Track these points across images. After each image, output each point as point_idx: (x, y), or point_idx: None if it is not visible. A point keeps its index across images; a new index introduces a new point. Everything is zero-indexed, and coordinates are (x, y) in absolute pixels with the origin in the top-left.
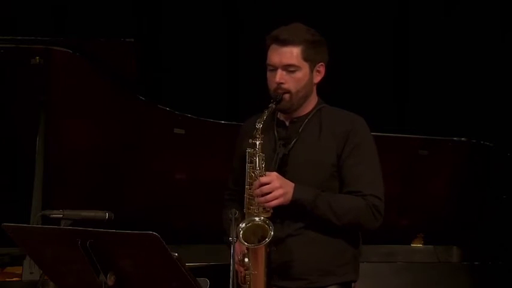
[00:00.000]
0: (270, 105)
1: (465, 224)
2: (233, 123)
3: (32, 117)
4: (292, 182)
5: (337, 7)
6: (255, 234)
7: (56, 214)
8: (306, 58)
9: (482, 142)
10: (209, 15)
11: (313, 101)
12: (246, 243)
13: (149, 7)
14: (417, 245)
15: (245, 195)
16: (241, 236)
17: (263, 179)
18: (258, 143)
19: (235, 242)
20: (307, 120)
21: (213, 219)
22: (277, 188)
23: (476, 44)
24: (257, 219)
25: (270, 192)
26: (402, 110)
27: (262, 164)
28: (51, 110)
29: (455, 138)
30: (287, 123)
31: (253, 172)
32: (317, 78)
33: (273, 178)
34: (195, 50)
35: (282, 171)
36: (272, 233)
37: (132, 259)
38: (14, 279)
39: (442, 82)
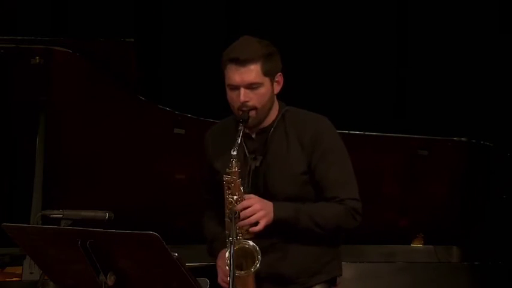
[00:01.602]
0: (239, 128)
1: (465, 224)
2: None
3: (32, 117)
4: (268, 194)
5: (338, 6)
6: (241, 257)
7: (56, 214)
8: (265, 73)
9: (482, 142)
10: (209, 15)
11: (275, 109)
12: (237, 272)
13: (149, 7)
14: (417, 245)
15: (226, 219)
16: (230, 262)
17: (244, 203)
18: (235, 171)
19: (234, 242)
20: (272, 129)
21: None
22: (258, 210)
23: (476, 44)
24: (247, 245)
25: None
26: (402, 110)
27: (241, 189)
28: (51, 110)
29: (455, 138)
30: (253, 135)
31: (232, 198)
32: (277, 88)
33: (254, 201)
34: (195, 50)
35: (256, 185)
36: (260, 256)
37: (132, 259)
38: (14, 279)
39: (442, 82)
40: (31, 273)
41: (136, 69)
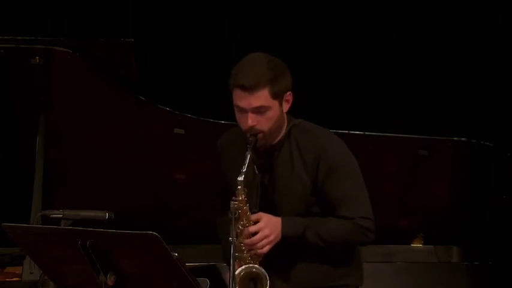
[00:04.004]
0: (247, 152)
1: (465, 224)
2: (233, 123)
3: (32, 117)
4: (276, 212)
5: (339, 7)
6: (250, 280)
7: (56, 214)
8: (274, 96)
9: (482, 142)
10: (209, 14)
11: (284, 126)
12: None
13: (149, 7)
14: (417, 245)
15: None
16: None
17: (252, 229)
18: (241, 199)
19: (235, 242)
20: (279, 147)
21: (213, 219)
22: (267, 235)
23: (476, 44)
24: (254, 269)
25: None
26: (402, 110)
27: (248, 214)
28: (51, 110)
29: (455, 138)
30: (261, 151)
31: (240, 224)
32: (286, 107)
33: (261, 226)
34: (195, 49)
35: (264, 201)
36: (268, 282)
37: (132, 259)
38: (14, 279)
39: (442, 82)
40: (31, 273)
41: (136, 69)
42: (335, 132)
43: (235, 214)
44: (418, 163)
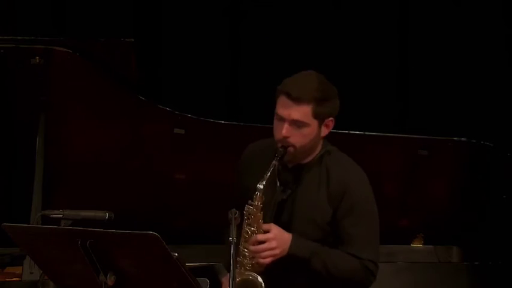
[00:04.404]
0: (274, 162)
1: (465, 224)
2: (233, 123)
3: (32, 117)
4: (289, 230)
5: (340, 8)
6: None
7: (56, 214)
8: (315, 116)
9: (482, 142)
10: (209, 14)
11: (317, 149)
12: None
13: (149, 7)
14: (417, 245)
15: (240, 246)
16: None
17: (260, 237)
18: (257, 204)
19: (235, 242)
20: (308, 168)
21: (213, 219)
22: (273, 248)
23: (477, 44)
24: (251, 277)
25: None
26: (402, 110)
27: (260, 222)
28: (51, 110)
29: (455, 138)
30: (289, 166)
31: (249, 229)
32: (324, 132)
33: (270, 237)
34: (195, 49)
35: (280, 218)
36: None
37: (132, 259)
38: (14, 279)
39: (443, 82)
40: (31, 273)
41: (136, 69)
42: (335, 133)
43: (247, 219)
44: (418, 163)
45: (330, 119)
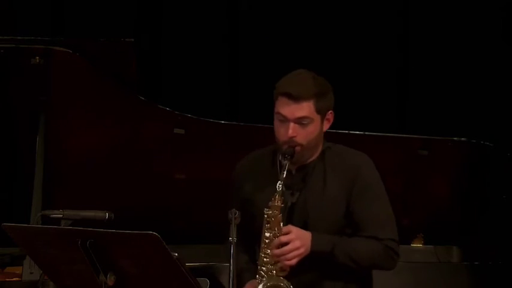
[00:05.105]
0: (284, 162)
1: (465, 224)
2: (233, 123)
3: (32, 117)
4: (306, 228)
5: (339, 7)
6: None
7: (56, 214)
8: (318, 111)
9: (482, 142)
10: (209, 14)
11: (320, 146)
12: None
13: (149, 7)
14: (417, 245)
15: (260, 253)
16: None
17: (283, 239)
18: (277, 205)
19: (235, 242)
20: (312, 167)
21: (213, 219)
22: (298, 247)
23: (477, 44)
24: (281, 283)
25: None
26: (402, 110)
27: (281, 224)
28: (51, 110)
29: (455, 138)
30: (293, 171)
31: (270, 233)
32: (326, 126)
33: (292, 237)
34: (195, 49)
35: (292, 221)
36: None
37: (132, 259)
38: (14, 279)
39: (443, 82)
40: (31, 273)
41: (136, 69)
42: (335, 133)
43: (267, 223)
44: (418, 163)
45: (330, 111)
